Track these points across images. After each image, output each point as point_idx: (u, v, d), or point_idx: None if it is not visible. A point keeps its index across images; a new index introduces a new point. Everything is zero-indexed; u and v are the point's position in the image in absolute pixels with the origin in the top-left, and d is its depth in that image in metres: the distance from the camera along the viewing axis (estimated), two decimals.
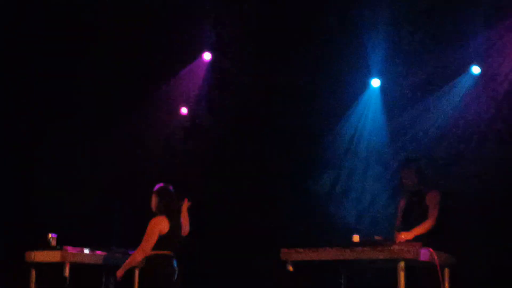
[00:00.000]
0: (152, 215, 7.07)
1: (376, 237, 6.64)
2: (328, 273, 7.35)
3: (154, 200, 7.13)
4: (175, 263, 7.06)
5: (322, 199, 8.72)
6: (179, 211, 7.23)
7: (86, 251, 7.57)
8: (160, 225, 6.98)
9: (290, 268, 6.78)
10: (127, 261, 6.98)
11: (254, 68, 8.77)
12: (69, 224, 8.35)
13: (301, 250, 6.74)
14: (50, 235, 7.56)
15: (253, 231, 8.79)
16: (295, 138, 8.94)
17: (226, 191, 9.16)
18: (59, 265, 7.41)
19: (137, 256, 6.94)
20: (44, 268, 7.55)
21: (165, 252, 6.98)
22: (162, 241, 6.96)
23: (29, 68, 8.78)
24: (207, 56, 9.06)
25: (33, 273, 7.53)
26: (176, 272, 7.07)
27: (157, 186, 7.19)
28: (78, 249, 7.55)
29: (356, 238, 6.70)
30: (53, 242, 7.54)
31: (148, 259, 6.96)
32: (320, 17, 8.26)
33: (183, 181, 9.16)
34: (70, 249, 7.47)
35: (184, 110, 9.56)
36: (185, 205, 7.38)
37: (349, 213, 8.44)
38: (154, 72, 9.04)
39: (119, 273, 6.97)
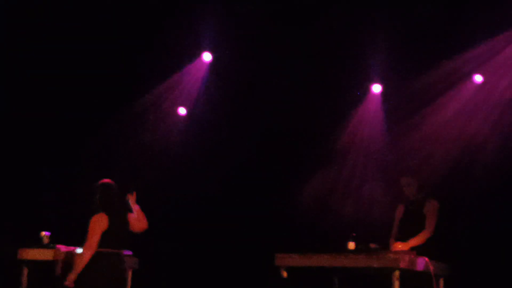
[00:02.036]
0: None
1: (372, 245, 6.61)
2: (322, 279, 7.31)
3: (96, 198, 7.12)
4: (119, 260, 7.01)
5: (318, 204, 8.69)
6: (121, 206, 7.16)
7: (79, 250, 7.53)
8: (99, 222, 6.95)
9: (284, 274, 6.74)
10: (76, 264, 6.88)
11: (254, 70, 8.74)
12: (62, 222, 8.33)
13: (296, 255, 6.71)
14: (43, 233, 7.54)
15: (248, 235, 8.76)
16: (294, 141, 8.91)
17: (223, 193, 9.12)
18: (52, 264, 7.38)
19: (85, 255, 6.87)
20: (36, 266, 7.51)
21: (107, 249, 6.94)
22: (103, 238, 6.93)
23: (28, 67, 8.74)
24: (206, 56, 9.02)
25: (25, 271, 7.50)
26: (120, 269, 7.02)
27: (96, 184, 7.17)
28: (71, 248, 7.52)
29: (351, 245, 6.67)
30: (46, 240, 7.53)
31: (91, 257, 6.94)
32: (321, 20, 8.22)
33: (180, 182, 9.23)
34: (62, 247, 7.45)
35: (182, 111, 9.52)
36: (131, 198, 7.29)
37: (346, 219, 8.39)
38: (153, 72, 9.01)
39: (71, 277, 6.85)
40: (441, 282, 6.91)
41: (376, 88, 8.69)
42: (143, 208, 7.27)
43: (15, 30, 8.68)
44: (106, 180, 7.19)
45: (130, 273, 8.02)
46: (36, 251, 7.46)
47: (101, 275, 6.87)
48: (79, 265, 6.85)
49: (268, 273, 7.08)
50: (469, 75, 8.17)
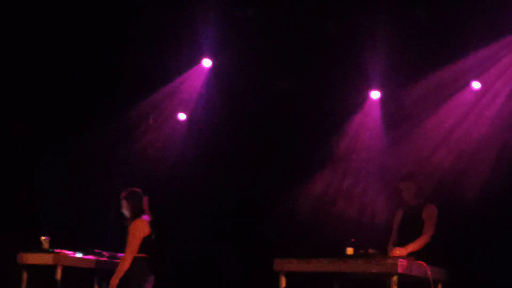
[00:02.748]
0: (130, 219, 7.10)
1: (370, 250, 6.61)
2: (321, 284, 7.31)
3: (124, 205, 7.16)
4: (153, 265, 7.12)
5: (317, 210, 8.70)
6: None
7: (79, 254, 7.56)
8: (142, 228, 7.01)
9: (283, 281, 6.75)
10: (119, 269, 6.94)
11: (254, 75, 8.78)
12: (62, 227, 8.33)
13: (294, 260, 6.71)
14: (43, 237, 7.55)
15: (247, 240, 8.77)
16: (293, 147, 8.92)
17: (222, 198, 9.13)
18: (51, 268, 7.39)
19: (128, 260, 6.93)
20: (36, 270, 7.52)
21: (144, 255, 6.99)
22: (143, 244, 7.00)
23: (29, 71, 8.76)
24: (206, 62, 9.05)
25: (25, 275, 7.51)
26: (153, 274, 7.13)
27: (124, 191, 7.22)
28: (71, 252, 7.54)
29: (350, 250, 6.67)
30: (46, 245, 7.54)
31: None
32: (320, 27, 8.27)
33: (179, 187, 9.24)
34: (62, 252, 7.46)
35: (182, 116, 9.54)
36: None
37: (344, 224, 8.41)
38: (153, 78, 9.03)
39: (115, 282, 6.92)
40: (440, 287, 6.91)
41: (375, 95, 8.71)
42: None
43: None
44: (134, 188, 7.25)
45: None
46: (35, 255, 7.49)
47: (143, 280, 6.97)
48: (122, 270, 6.94)
49: (267, 278, 7.09)
50: (467, 81, 8.20)
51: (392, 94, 8.54)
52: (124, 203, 7.20)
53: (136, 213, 7.13)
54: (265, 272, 6.97)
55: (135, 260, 6.98)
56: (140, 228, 7.02)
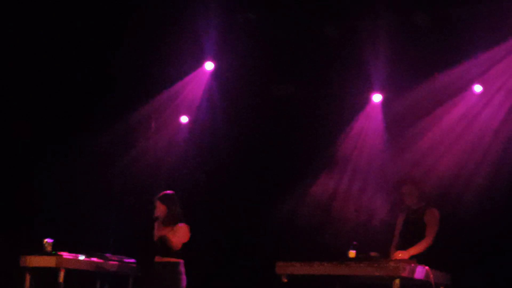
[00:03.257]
0: (168, 222, 7.16)
1: (372, 254, 6.63)
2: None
3: (161, 208, 7.17)
4: None
5: (320, 213, 8.71)
6: None
7: (81, 257, 7.57)
8: (187, 234, 7.21)
9: (285, 280, 6.76)
10: (163, 235, 7.05)
11: (256, 78, 8.79)
12: (65, 230, 8.34)
13: (297, 263, 6.73)
14: (46, 240, 7.57)
15: (249, 243, 8.78)
16: (296, 150, 8.93)
17: (224, 201, 9.14)
18: (54, 271, 7.41)
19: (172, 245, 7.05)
20: (38, 273, 7.54)
21: (182, 260, 7.15)
22: (182, 250, 7.17)
23: (29, 71, 8.76)
24: (209, 65, 9.07)
25: (28, 277, 7.53)
26: None
27: (163, 193, 7.24)
28: (73, 255, 7.56)
29: (352, 253, 6.69)
30: (49, 248, 7.55)
31: (166, 265, 7.07)
32: (322, 30, 8.28)
33: (181, 190, 9.24)
34: (65, 255, 7.48)
35: (184, 119, 9.55)
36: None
37: (347, 227, 8.42)
38: (156, 81, 9.04)
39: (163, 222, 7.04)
40: None
41: (377, 98, 8.72)
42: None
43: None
44: (168, 191, 7.33)
45: (131, 281, 8.06)
46: (38, 258, 7.51)
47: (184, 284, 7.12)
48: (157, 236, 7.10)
49: (269, 281, 7.10)
50: (469, 85, 8.22)
51: (394, 97, 8.55)
52: (160, 206, 7.22)
53: (178, 217, 7.19)
54: (267, 275, 6.99)
55: (176, 265, 7.11)
56: (186, 235, 7.14)
